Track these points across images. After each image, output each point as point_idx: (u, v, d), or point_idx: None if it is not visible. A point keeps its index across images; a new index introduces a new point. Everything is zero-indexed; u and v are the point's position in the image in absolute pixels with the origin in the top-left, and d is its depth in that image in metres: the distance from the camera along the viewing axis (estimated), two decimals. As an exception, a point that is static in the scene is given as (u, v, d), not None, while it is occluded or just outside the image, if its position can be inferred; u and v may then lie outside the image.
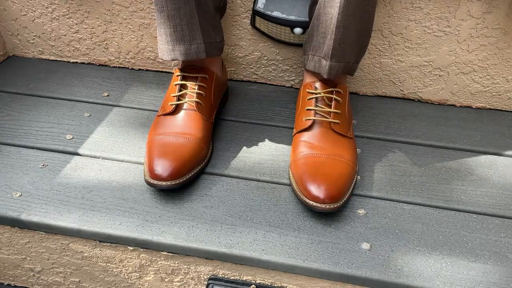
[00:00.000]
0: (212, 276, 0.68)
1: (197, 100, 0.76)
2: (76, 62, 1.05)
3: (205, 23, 0.76)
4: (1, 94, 0.93)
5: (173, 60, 0.76)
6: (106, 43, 1.01)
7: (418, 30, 0.87)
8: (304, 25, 0.87)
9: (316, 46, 0.75)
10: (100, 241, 0.68)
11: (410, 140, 0.85)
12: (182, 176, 0.69)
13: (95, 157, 0.79)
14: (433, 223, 0.69)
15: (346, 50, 0.73)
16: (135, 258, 0.69)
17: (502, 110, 0.94)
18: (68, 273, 0.74)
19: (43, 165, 0.76)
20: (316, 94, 0.75)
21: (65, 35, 1.01)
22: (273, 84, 1.00)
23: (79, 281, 0.75)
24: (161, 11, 0.73)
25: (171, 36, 0.74)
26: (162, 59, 0.79)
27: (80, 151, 0.79)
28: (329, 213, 0.69)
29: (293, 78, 0.98)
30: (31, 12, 0.99)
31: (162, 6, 0.72)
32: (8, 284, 0.79)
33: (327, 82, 0.77)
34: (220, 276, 0.68)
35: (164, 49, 0.76)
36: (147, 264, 0.70)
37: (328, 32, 0.71)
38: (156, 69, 1.02)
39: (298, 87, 0.99)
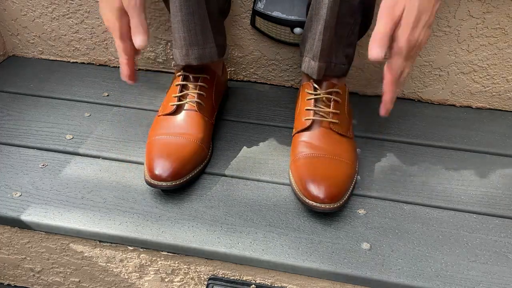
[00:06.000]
0: (212, 276, 0.68)
1: (198, 100, 0.76)
2: (76, 62, 1.05)
3: (214, 26, 0.76)
4: (1, 94, 0.93)
5: (187, 65, 0.75)
6: (106, 43, 1.01)
7: (418, 30, 0.87)
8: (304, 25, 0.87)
9: (307, 47, 0.75)
10: (100, 241, 0.68)
11: (410, 140, 0.85)
12: (182, 176, 0.69)
13: (95, 157, 0.79)
14: (433, 223, 0.69)
15: (334, 51, 0.73)
16: (135, 258, 0.69)
17: (502, 110, 0.94)
18: (68, 273, 0.74)
19: (43, 165, 0.76)
20: (315, 94, 0.75)
21: (65, 35, 1.01)
22: (273, 84, 1.00)
23: (79, 281, 0.75)
24: (175, 15, 0.72)
25: (185, 40, 0.73)
26: (176, 64, 0.78)
27: (80, 151, 0.79)
28: (329, 213, 0.69)
29: (293, 78, 0.98)
30: (31, 12, 0.99)
31: (177, 11, 0.71)
32: (8, 284, 0.79)
33: (325, 83, 0.77)
34: (220, 276, 0.68)
35: (177, 53, 0.75)
36: (147, 264, 0.70)
37: (316, 33, 0.71)
38: (156, 69, 1.02)
39: (298, 87, 0.99)
